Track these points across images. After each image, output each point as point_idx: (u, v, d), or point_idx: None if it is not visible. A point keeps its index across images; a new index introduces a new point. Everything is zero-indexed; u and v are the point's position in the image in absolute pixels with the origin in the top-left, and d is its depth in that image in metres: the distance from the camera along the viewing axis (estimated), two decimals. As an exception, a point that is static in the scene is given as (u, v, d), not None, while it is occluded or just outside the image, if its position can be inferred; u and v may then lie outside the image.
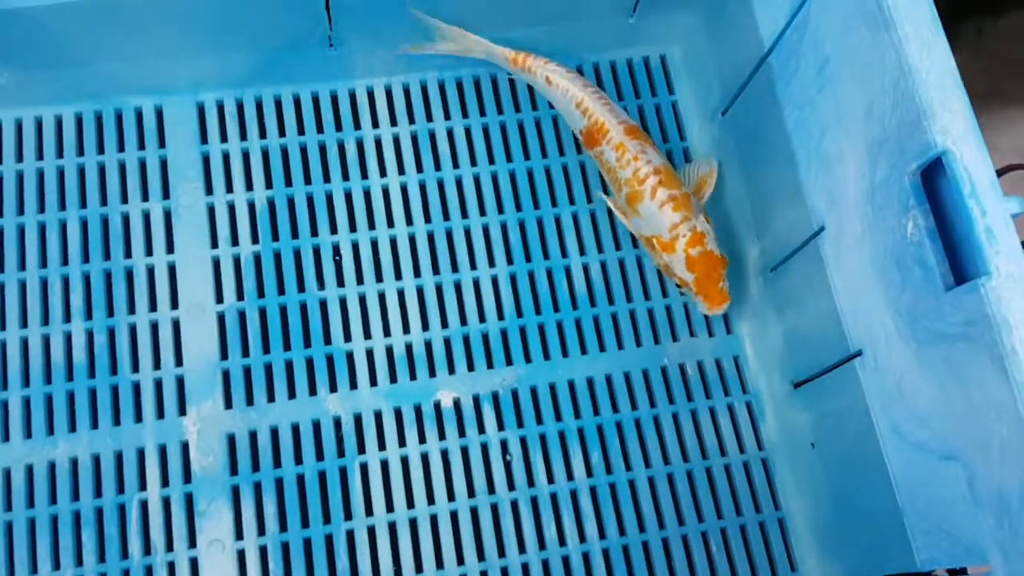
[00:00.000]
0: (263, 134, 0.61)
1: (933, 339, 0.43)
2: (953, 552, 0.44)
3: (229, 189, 0.60)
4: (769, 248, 0.58)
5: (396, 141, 0.62)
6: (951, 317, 0.42)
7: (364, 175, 0.61)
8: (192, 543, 0.53)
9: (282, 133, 0.61)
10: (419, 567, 0.54)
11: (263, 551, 0.53)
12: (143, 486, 0.54)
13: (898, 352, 0.46)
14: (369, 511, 0.55)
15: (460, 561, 0.54)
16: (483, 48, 0.60)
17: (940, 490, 0.44)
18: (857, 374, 0.50)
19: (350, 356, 0.58)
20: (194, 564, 0.53)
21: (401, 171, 0.62)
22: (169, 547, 0.53)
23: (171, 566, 0.53)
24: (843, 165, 0.49)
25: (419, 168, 0.62)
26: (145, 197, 0.59)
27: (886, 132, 0.45)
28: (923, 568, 0.46)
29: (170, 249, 0.58)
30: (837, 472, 0.54)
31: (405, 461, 0.56)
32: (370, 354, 0.58)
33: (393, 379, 0.58)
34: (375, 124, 0.62)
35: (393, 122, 0.62)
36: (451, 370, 0.59)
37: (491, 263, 0.61)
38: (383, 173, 0.62)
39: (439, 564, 0.54)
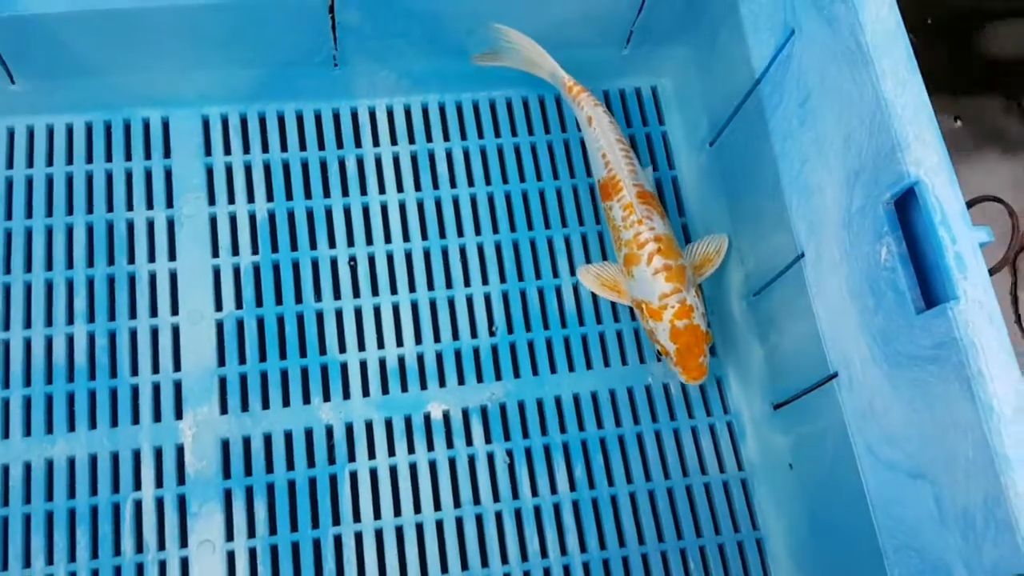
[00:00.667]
0: (266, 148, 0.63)
1: (904, 361, 0.45)
2: (921, 570, 0.45)
3: (231, 200, 0.62)
4: (752, 273, 0.60)
5: (396, 160, 0.64)
6: (921, 340, 0.43)
7: (363, 192, 0.63)
8: (184, 543, 0.54)
9: (284, 148, 0.63)
10: (404, 573, 0.55)
11: (252, 553, 0.55)
12: (138, 486, 0.55)
13: (872, 374, 0.48)
14: (357, 517, 0.56)
15: (444, 569, 0.56)
16: (549, 68, 0.61)
17: (909, 508, 0.46)
18: (835, 395, 0.51)
19: (344, 367, 0.59)
20: (184, 563, 0.54)
21: (400, 189, 0.64)
22: (161, 546, 0.54)
23: (162, 565, 0.54)
24: (822, 194, 0.51)
25: (417, 187, 0.64)
26: (150, 205, 0.61)
27: (862, 163, 0.47)
28: (894, 585, 0.48)
29: (172, 257, 0.60)
30: (814, 493, 0.55)
31: (394, 470, 0.58)
32: (364, 365, 0.60)
33: (385, 390, 0.59)
34: (376, 143, 0.64)
35: (393, 141, 0.65)
36: (442, 383, 0.60)
37: (484, 281, 0.63)
38: (382, 190, 0.64)
39: (423, 571, 0.56)
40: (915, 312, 0.44)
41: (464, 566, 0.56)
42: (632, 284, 0.58)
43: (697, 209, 0.65)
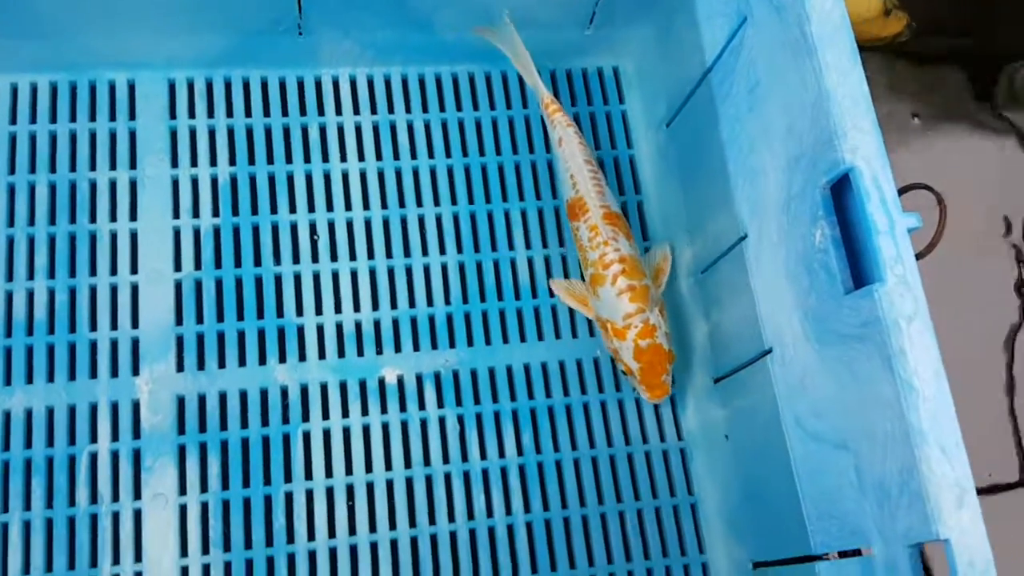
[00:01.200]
0: (230, 113, 0.64)
1: (833, 339, 0.47)
2: (840, 536, 0.48)
3: (194, 163, 0.63)
4: (700, 252, 0.62)
5: (358, 129, 0.66)
6: (849, 319, 0.46)
7: (325, 159, 0.65)
8: (137, 495, 0.56)
9: (248, 114, 0.64)
10: (352, 530, 0.57)
11: (204, 507, 0.56)
12: (94, 439, 0.56)
13: (803, 350, 0.50)
14: (309, 476, 0.58)
15: (392, 526, 0.58)
16: (532, 80, 0.63)
17: (832, 478, 0.48)
18: (768, 371, 0.54)
19: (300, 330, 0.61)
20: (137, 515, 0.55)
21: (361, 158, 0.65)
22: (115, 498, 0.55)
23: (115, 516, 0.55)
24: (766, 178, 0.53)
25: (378, 156, 0.65)
26: (113, 166, 0.62)
27: (803, 149, 0.49)
28: (816, 552, 0.51)
29: (133, 217, 0.61)
30: (747, 462, 0.58)
31: (347, 431, 0.59)
32: (320, 329, 0.61)
33: (341, 354, 0.61)
34: (338, 112, 0.66)
35: (356, 111, 0.66)
36: (397, 348, 0.62)
37: (442, 251, 0.64)
38: (343, 159, 0.65)
39: (372, 528, 0.58)
40: (844, 292, 0.46)
41: (412, 524, 0.58)
42: (597, 303, 0.60)
43: (652, 188, 0.67)
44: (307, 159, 0.64)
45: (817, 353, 0.49)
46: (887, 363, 0.43)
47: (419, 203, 0.65)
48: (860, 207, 0.45)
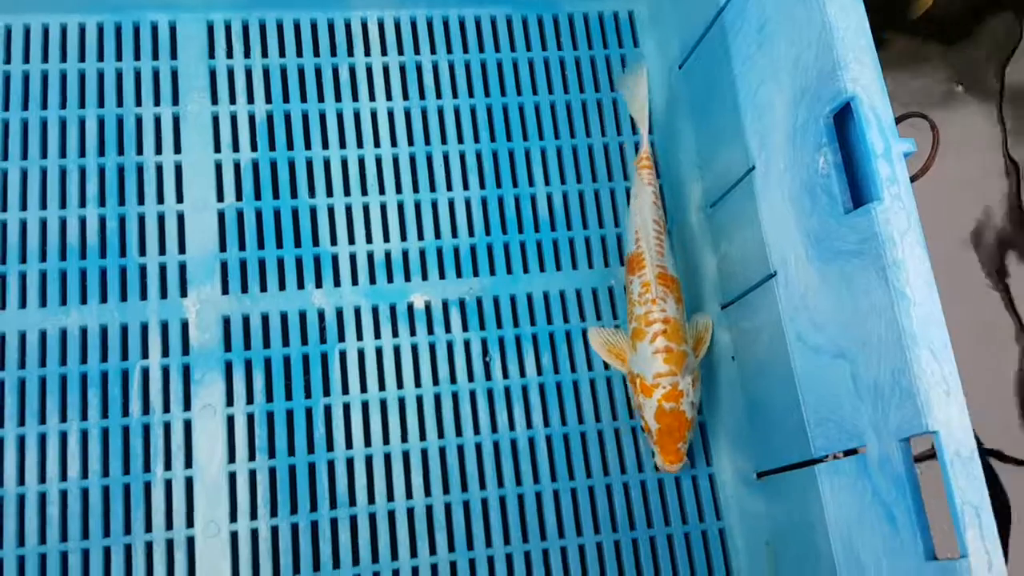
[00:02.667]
0: (265, 54, 0.68)
1: (832, 256, 0.51)
2: (838, 437, 0.52)
3: (232, 101, 0.66)
4: (710, 187, 0.66)
5: (385, 70, 0.69)
6: (848, 237, 0.50)
7: (355, 98, 0.68)
8: (187, 407, 0.60)
9: (282, 54, 0.68)
10: (386, 440, 0.62)
11: (250, 418, 0.61)
12: (145, 355, 0.61)
13: (804, 270, 0.54)
14: (345, 391, 0.62)
15: (422, 438, 0.62)
16: (642, 128, 0.65)
17: (831, 385, 0.53)
18: (773, 292, 0.58)
19: (335, 258, 0.65)
20: (187, 425, 0.60)
21: (388, 97, 0.69)
22: (166, 409, 0.60)
23: (167, 425, 0.60)
24: (773, 112, 0.57)
25: (405, 96, 0.69)
26: (157, 102, 0.65)
27: (808, 82, 0.53)
28: (816, 455, 0.55)
29: (177, 150, 0.65)
30: (752, 380, 0.62)
31: (379, 352, 0.64)
32: (353, 257, 0.65)
33: (372, 280, 0.65)
34: (367, 53, 0.69)
35: (384, 52, 0.69)
36: (424, 276, 0.66)
37: (465, 186, 0.68)
38: (372, 98, 0.68)
39: (404, 439, 0.62)
40: (844, 212, 0.50)
41: (440, 435, 0.63)
42: (633, 357, 0.61)
43: (665, 128, 0.71)
44: (338, 98, 0.68)
45: (818, 271, 0.53)
46: (882, 275, 0.47)
47: (443, 141, 0.69)
48: (860, 133, 0.49)
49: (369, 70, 0.69)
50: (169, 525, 0.58)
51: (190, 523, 0.58)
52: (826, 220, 0.52)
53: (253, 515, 0.59)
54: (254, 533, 0.58)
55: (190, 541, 0.58)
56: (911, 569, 0.46)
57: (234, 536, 0.58)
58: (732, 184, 0.62)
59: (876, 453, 0.49)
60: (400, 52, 0.70)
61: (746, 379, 0.63)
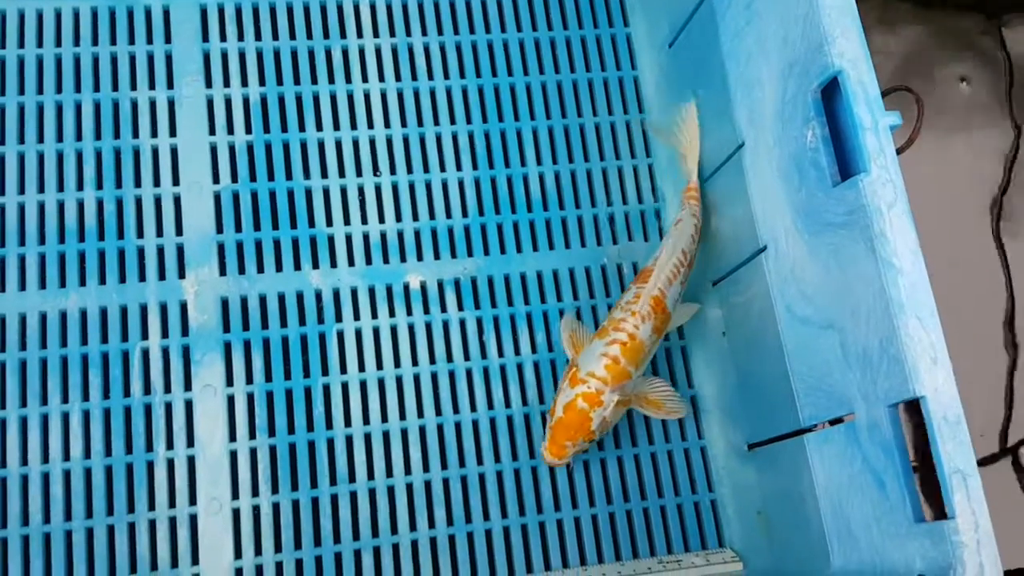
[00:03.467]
0: (258, 37, 0.68)
1: (821, 229, 0.52)
2: (827, 405, 0.53)
3: (226, 84, 0.67)
4: (701, 164, 0.67)
5: (378, 51, 0.70)
6: (836, 209, 0.51)
7: (348, 80, 0.69)
8: (188, 387, 0.61)
9: (275, 37, 0.68)
10: (384, 418, 0.63)
11: (250, 397, 0.61)
12: (145, 336, 0.61)
13: (794, 243, 0.55)
14: (344, 370, 0.63)
15: (420, 415, 0.63)
16: (691, 164, 0.65)
17: (819, 355, 0.54)
18: (763, 267, 0.59)
19: (331, 239, 0.66)
20: (188, 405, 0.61)
21: (381, 79, 0.69)
22: (167, 389, 0.61)
23: (168, 405, 0.60)
24: (761, 88, 0.58)
25: (397, 77, 0.70)
26: (152, 86, 0.66)
27: (795, 57, 0.54)
28: (805, 424, 0.56)
29: (173, 133, 0.65)
30: (742, 353, 0.63)
31: (376, 331, 0.64)
32: (349, 239, 0.66)
33: (368, 261, 0.66)
34: (359, 35, 0.70)
35: (375, 34, 0.70)
36: (419, 257, 0.67)
37: (458, 167, 0.69)
38: (365, 79, 0.69)
39: (402, 416, 0.63)
40: (832, 185, 0.51)
41: (438, 412, 0.63)
42: (585, 350, 0.60)
43: (655, 107, 0.72)
44: (331, 80, 0.69)
45: (806, 244, 0.54)
46: (870, 245, 0.48)
47: (436, 122, 0.69)
48: (847, 107, 0.50)
49: (362, 52, 0.70)
50: (172, 503, 0.59)
51: (193, 501, 0.59)
52: (814, 193, 0.53)
53: (255, 492, 0.60)
54: (256, 510, 0.59)
55: (193, 518, 0.59)
56: (900, 532, 0.47)
57: (236, 513, 0.59)
58: (722, 161, 0.63)
59: (865, 420, 0.50)
60: (392, 34, 0.70)
61: (736, 353, 0.64)
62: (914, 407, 0.47)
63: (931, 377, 0.46)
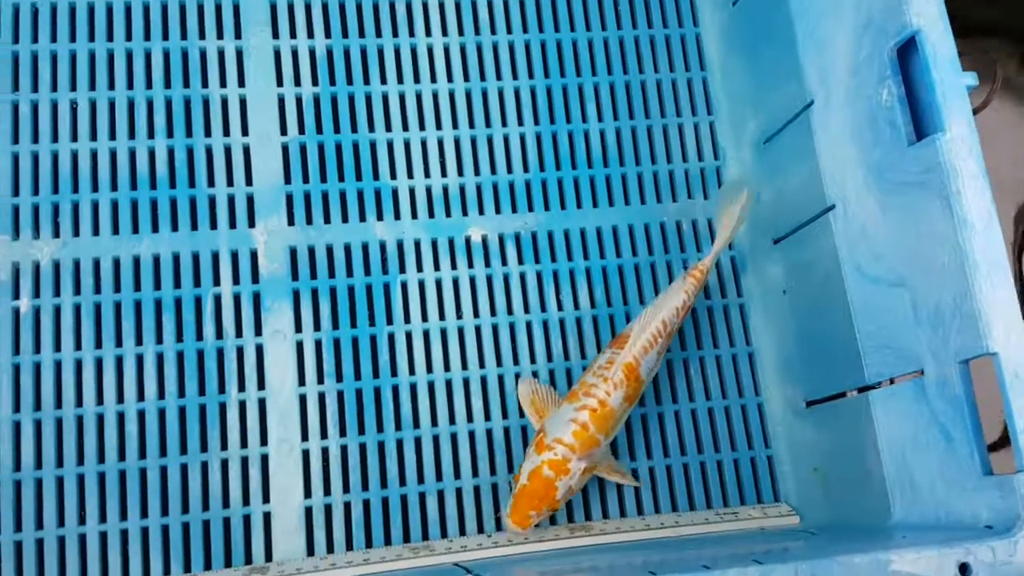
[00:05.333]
0: (324, -11, 0.69)
1: (894, 188, 0.53)
2: (894, 363, 0.54)
3: (293, 35, 0.67)
4: (765, 122, 0.67)
5: (441, 6, 0.70)
6: (911, 167, 0.51)
7: (412, 33, 0.69)
8: (258, 332, 0.62)
9: (341, -11, 0.69)
10: (447, 367, 0.64)
11: (318, 344, 0.63)
12: (217, 283, 0.62)
13: (865, 201, 0.55)
14: (407, 320, 0.64)
15: (481, 365, 0.64)
16: (720, 243, 0.64)
17: (889, 314, 0.54)
18: (830, 225, 0.59)
19: (395, 192, 0.66)
20: (259, 349, 0.62)
21: (444, 32, 0.70)
22: (239, 334, 0.62)
23: (239, 350, 0.62)
24: (834, 46, 0.58)
25: (460, 32, 0.70)
26: (220, 36, 0.66)
27: (871, 16, 0.54)
28: (870, 381, 0.57)
29: (241, 84, 0.66)
30: (803, 312, 0.64)
31: (439, 283, 0.65)
32: (412, 192, 0.67)
33: (431, 214, 0.67)
34: (424, -13, 0.70)
35: (440, -13, 0.70)
36: (481, 211, 0.67)
37: (520, 122, 0.69)
38: (428, 33, 0.69)
39: (464, 366, 0.64)
40: (907, 144, 0.51)
41: (499, 363, 0.65)
42: (553, 414, 0.59)
43: (717, 64, 0.72)
44: (395, 33, 0.69)
45: (879, 202, 0.54)
46: (946, 203, 0.49)
47: (499, 77, 0.70)
48: (925, 67, 0.50)
49: (425, 6, 0.70)
50: (244, 443, 0.60)
51: (264, 442, 0.60)
52: (889, 152, 0.53)
53: (323, 435, 0.61)
54: (324, 451, 0.61)
55: (264, 459, 0.60)
56: (968, 484, 0.48)
57: (306, 454, 0.61)
58: (788, 119, 0.63)
59: (934, 376, 0.50)
60: (456, -13, 0.71)
61: (797, 311, 0.64)
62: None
63: (1004, 334, 0.47)
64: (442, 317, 0.65)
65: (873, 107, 0.54)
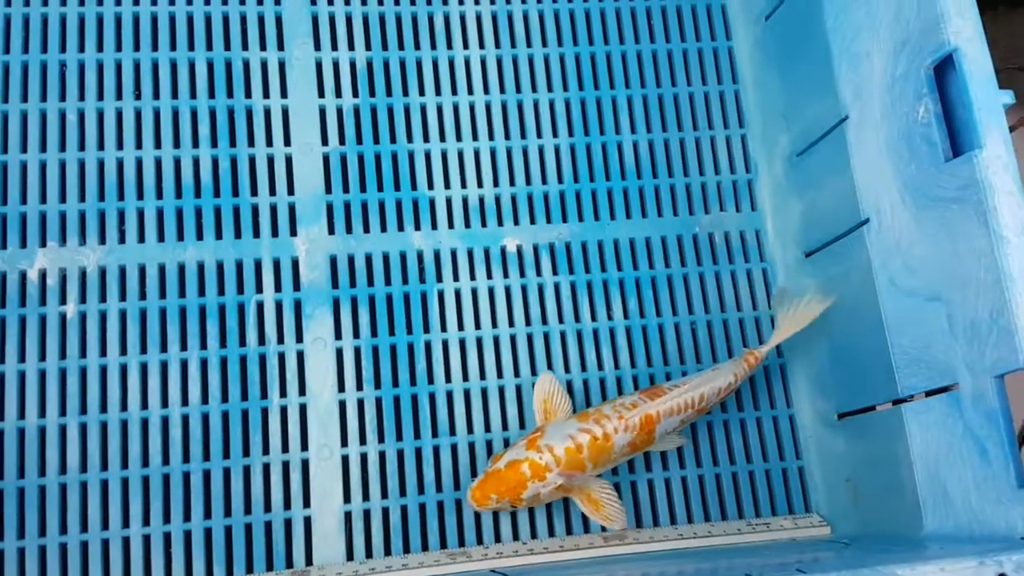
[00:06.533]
0: (364, 1, 0.70)
1: (930, 203, 0.53)
2: (929, 376, 0.55)
3: (334, 48, 0.69)
4: (798, 136, 0.68)
5: (478, 18, 0.71)
6: (948, 184, 0.52)
7: (449, 46, 0.70)
8: (299, 339, 0.63)
9: (380, 2, 0.70)
10: (483, 375, 0.65)
11: (357, 351, 0.64)
12: (259, 290, 0.64)
13: (900, 216, 0.56)
14: (443, 328, 0.65)
15: (516, 374, 0.65)
16: (773, 340, 0.64)
17: (923, 327, 0.55)
18: (863, 239, 0.60)
19: (432, 202, 0.68)
20: (300, 356, 0.63)
21: (481, 45, 0.71)
22: (280, 340, 0.63)
23: (281, 356, 0.63)
24: (870, 62, 0.58)
25: (497, 44, 0.71)
26: (263, 47, 0.68)
27: (908, 34, 0.54)
28: (902, 395, 0.58)
29: (284, 94, 0.67)
30: (835, 325, 0.64)
31: (475, 292, 0.66)
32: (449, 202, 0.68)
33: (467, 224, 0.68)
34: (460, 1, 0.71)
35: (476, 1, 0.71)
36: (516, 221, 0.68)
37: (555, 134, 0.70)
38: (465, 46, 0.71)
39: (499, 375, 0.65)
40: (944, 160, 0.52)
41: (533, 372, 0.66)
42: (559, 422, 0.60)
43: (750, 77, 0.73)
44: (433, 46, 0.70)
45: (914, 217, 0.55)
46: (983, 220, 0.49)
47: (534, 89, 0.71)
48: (962, 84, 0.51)
49: (463, 18, 0.71)
50: (285, 448, 0.61)
51: (304, 447, 0.61)
52: (925, 168, 0.54)
53: (362, 441, 0.62)
54: (363, 457, 0.62)
55: (304, 463, 0.61)
56: (1004, 497, 0.49)
57: (345, 460, 0.62)
58: (822, 134, 0.64)
59: (969, 390, 0.51)
60: (492, 1, 0.72)
61: (829, 324, 0.65)
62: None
63: (1044, 343, 0.47)
64: (477, 326, 0.66)
65: (909, 123, 0.55)
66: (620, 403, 0.61)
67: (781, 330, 0.64)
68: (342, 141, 0.67)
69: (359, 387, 0.63)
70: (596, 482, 0.61)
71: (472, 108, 0.70)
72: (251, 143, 0.66)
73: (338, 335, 0.64)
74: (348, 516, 0.61)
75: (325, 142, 0.67)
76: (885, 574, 0.42)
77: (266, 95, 0.67)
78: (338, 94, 0.68)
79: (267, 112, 0.67)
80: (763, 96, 0.72)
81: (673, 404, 0.61)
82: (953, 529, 0.53)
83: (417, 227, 0.67)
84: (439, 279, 0.66)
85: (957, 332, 0.52)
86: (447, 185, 0.68)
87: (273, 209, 0.65)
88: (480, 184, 0.69)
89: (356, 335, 0.64)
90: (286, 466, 0.61)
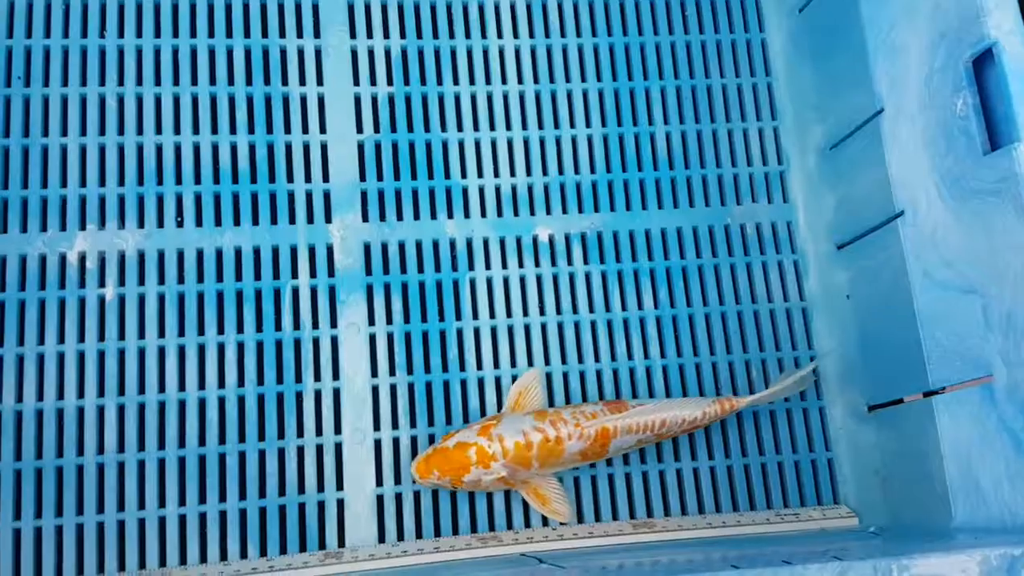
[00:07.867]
0: (399, -9, 0.71)
1: (967, 195, 0.53)
2: (962, 369, 0.55)
3: (369, 36, 0.69)
4: (831, 129, 0.68)
5: (512, 8, 0.71)
6: (986, 176, 0.52)
7: (484, 35, 0.71)
8: (333, 324, 0.64)
9: (416, -9, 0.71)
10: (513, 363, 0.65)
11: (390, 336, 0.64)
12: (295, 275, 0.64)
13: (936, 209, 0.56)
14: (475, 316, 0.66)
15: (547, 362, 0.66)
16: (769, 396, 0.64)
17: (957, 320, 0.55)
18: (898, 232, 0.60)
19: (465, 191, 0.68)
20: (334, 341, 0.64)
21: (515, 35, 0.71)
22: (315, 325, 0.64)
23: (315, 341, 0.64)
24: (907, 55, 0.58)
25: (531, 34, 0.71)
26: (300, 35, 0.68)
27: (947, 26, 0.54)
28: (934, 387, 0.58)
29: (319, 82, 0.68)
30: (867, 318, 0.65)
31: (506, 280, 0.67)
32: (482, 190, 0.68)
33: (500, 213, 0.68)
34: (496, -8, 0.72)
35: (512, -9, 0.72)
36: (548, 211, 0.69)
37: (587, 124, 0.71)
38: (500, 35, 0.71)
39: (529, 362, 0.66)
40: (982, 153, 0.52)
41: (563, 360, 0.66)
42: (518, 415, 0.61)
43: (782, 69, 0.73)
44: (467, 35, 0.71)
45: (950, 210, 0.55)
46: (1020, 212, 0.49)
47: (567, 79, 0.71)
48: (1002, 77, 0.51)
49: (497, 8, 0.71)
50: (319, 432, 0.62)
51: (338, 430, 0.62)
52: (962, 160, 0.54)
53: (395, 425, 0.63)
54: (395, 441, 0.63)
55: (338, 447, 0.62)
56: (1038, 490, 0.49)
57: (377, 444, 0.62)
58: (856, 126, 0.64)
59: (1004, 382, 0.51)
60: (527, -8, 0.72)
61: (861, 316, 0.65)
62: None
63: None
64: (509, 314, 0.66)
65: (947, 116, 0.55)
66: (581, 411, 0.61)
67: (772, 392, 0.64)
68: (376, 129, 0.68)
69: (392, 372, 0.64)
70: (543, 478, 0.62)
71: (506, 97, 0.70)
72: (287, 130, 0.67)
73: (371, 321, 0.64)
74: (380, 499, 0.62)
75: (360, 130, 0.68)
76: (920, 561, 0.43)
77: (302, 83, 0.68)
78: (373, 82, 0.69)
79: (303, 100, 0.67)
80: (796, 88, 0.72)
81: (632, 423, 0.61)
82: (984, 521, 0.53)
83: (450, 215, 0.67)
84: (471, 267, 0.67)
85: (992, 324, 0.52)
86: (480, 174, 0.69)
87: (308, 196, 0.66)
88: (513, 173, 0.69)
89: (389, 321, 0.65)
90: (320, 449, 0.62)
